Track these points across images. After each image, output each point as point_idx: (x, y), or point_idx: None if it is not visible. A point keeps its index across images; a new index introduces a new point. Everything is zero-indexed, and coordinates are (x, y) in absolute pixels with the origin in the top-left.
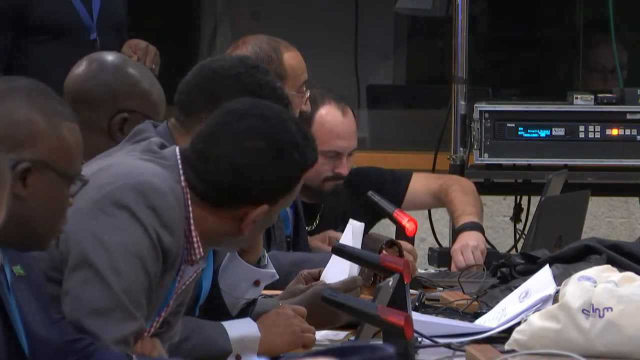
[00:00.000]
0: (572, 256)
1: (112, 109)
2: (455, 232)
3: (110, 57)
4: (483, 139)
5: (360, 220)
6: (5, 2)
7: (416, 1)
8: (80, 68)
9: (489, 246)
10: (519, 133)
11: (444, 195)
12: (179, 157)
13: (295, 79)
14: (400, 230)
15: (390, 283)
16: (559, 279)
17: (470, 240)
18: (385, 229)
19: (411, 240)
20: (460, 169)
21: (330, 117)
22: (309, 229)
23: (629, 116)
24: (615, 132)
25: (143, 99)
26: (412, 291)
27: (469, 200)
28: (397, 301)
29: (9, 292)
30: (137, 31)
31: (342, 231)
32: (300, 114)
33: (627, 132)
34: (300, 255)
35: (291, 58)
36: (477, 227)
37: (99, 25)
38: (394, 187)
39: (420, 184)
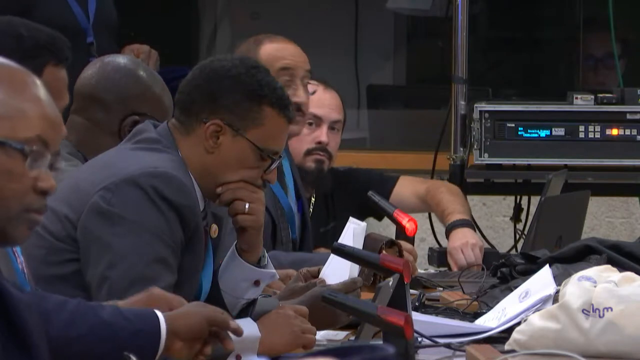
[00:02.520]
0: (572, 256)
1: (124, 111)
2: (447, 230)
3: (123, 60)
4: (483, 139)
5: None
6: (3, 11)
7: (415, 1)
8: (93, 69)
9: (488, 246)
10: (519, 133)
11: (431, 197)
12: None
13: (269, 67)
14: (400, 230)
15: (390, 283)
16: (559, 279)
17: (469, 237)
18: (385, 229)
19: (411, 240)
20: (460, 169)
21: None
22: None
23: (629, 116)
24: (615, 132)
25: (155, 104)
26: (412, 291)
27: (456, 200)
28: (397, 301)
29: None
30: (137, 31)
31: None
32: None
33: (627, 132)
34: (300, 256)
35: (272, 47)
36: (468, 224)
37: (94, 27)
38: (380, 187)
39: (406, 187)
